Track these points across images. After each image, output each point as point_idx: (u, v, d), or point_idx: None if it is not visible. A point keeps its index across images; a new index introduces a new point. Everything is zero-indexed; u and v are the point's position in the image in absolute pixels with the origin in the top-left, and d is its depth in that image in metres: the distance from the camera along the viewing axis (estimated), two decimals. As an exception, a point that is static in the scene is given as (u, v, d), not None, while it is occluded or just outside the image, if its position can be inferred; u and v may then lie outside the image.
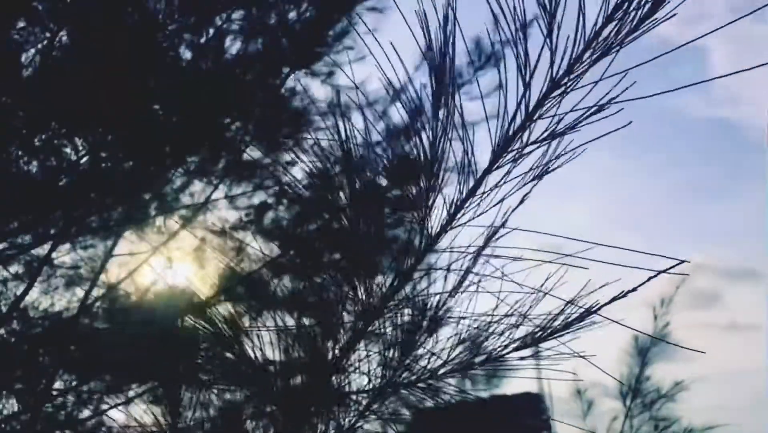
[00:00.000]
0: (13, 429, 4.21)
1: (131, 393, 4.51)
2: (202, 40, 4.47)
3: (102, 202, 4.47)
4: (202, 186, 4.71)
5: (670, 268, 1.06)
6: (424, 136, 1.11)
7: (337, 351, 1.35)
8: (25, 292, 4.32)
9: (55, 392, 4.31)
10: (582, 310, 1.15)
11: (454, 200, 1.12)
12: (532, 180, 1.05)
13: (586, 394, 4.09)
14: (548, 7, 0.92)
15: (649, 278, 1.09)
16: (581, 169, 1.17)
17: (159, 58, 4.48)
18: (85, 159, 4.39)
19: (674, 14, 0.85)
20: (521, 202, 1.14)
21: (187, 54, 4.54)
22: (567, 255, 1.18)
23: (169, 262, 4.76)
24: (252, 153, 4.69)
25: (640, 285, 1.13)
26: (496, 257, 1.10)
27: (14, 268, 4.44)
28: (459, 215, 1.12)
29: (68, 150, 4.33)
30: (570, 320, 1.15)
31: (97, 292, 4.49)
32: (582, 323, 1.15)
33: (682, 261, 1.07)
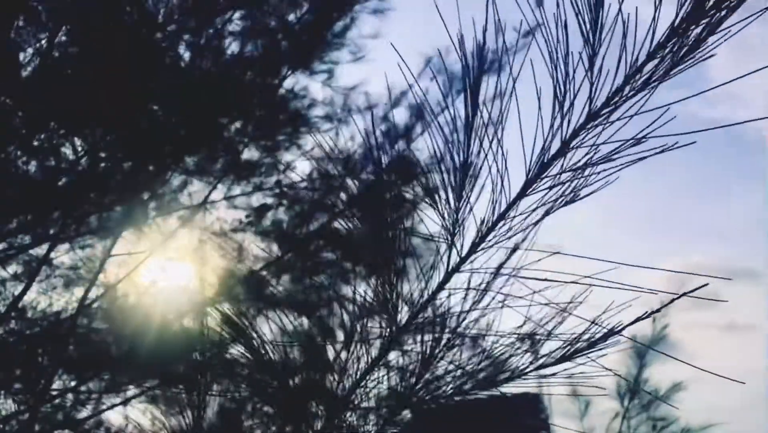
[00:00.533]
0: (11, 429, 4.21)
1: (129, 393, 4.53)
2: (202, 40, 4.46)
3: (101, 202, 4.47)
4: (201, 186, 4.71)
5: (694, 291, 1.09)
6: (456, 156, 1.13)
7: (362, 366, 1.37)
8: (24, 292, 4.31)
9: (54, 392, 4.31)
10: (606, 330, 1.18)
11: (485, 221, 1.15)
12: (564, 204, 1.08)
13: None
14: (591, 40, 0.95)
15: (672, 300, 1.11)
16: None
17: (158, 58, 4.47)
18: (84, 159, 4.39)
19: (714, 54, 0.88)
20: (541, 219, 1.17)
21: (186, 54, 4.53)
22: (591, 276, 1.21)
23: (168, 262, 4.77)
24: (251, 153, 4.70)
25: (663, 306, 1.15)
26: (524, 278, 1.13)
27: (13, 268, 4.43)
28: (490, 237, 1.15)
29: (67, 150, 4.33)
30: (594, 339, 1.18)
31: (95, 292, 4.49)
32: (606, 342, 1.18)
33: (705, 284, 1.09)
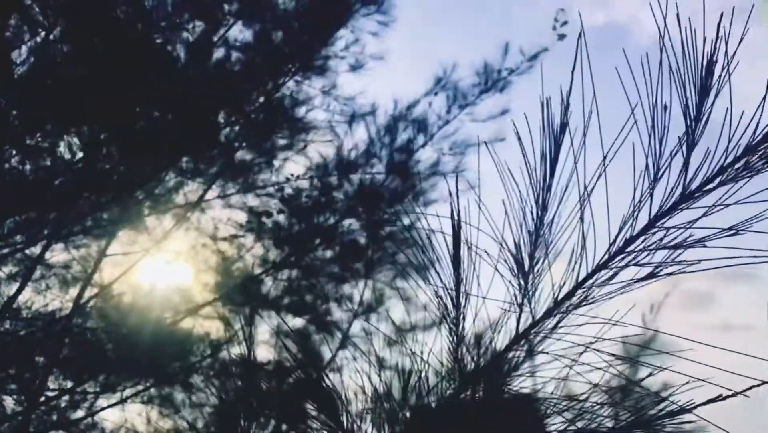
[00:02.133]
0: (6, 430, 4.18)
1: (125, 393, 4.51)
2: (200, 41, 4.42)
3: (96, 202, 4.42)
4: (197, 187, 4.68)
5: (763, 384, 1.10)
6: (529, 216, 1.15)
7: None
8: (18, 291, 4.26)
9: (50, 393, 4.28)
10: (676, 407, 1.20)
11: (561, 288, 1.17)
12: (646, 280, 1.10)
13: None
14: (691, 126, 0.97)
15: (752, 387, 1.12)
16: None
17: (155, 57, 4.42)
18: (79, 159, 4.34)
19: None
20: (619, 293, 1.19)
21: (183, 54, 4.48)
22: (664, 352, 1.24)
23: (163, 262, 4.74)
24: (248, 156, 4.67)
25: (740, 392, 1.15)
26: (600, 351, 1.16)
27: (7, 268, 4.38)
28: (565, 304, 1.17)
29: (63, 150, 4.28)
30: (663, 414, 1.21)
31: (90, 292, 4.46)
32: (674, 420, 1.21)
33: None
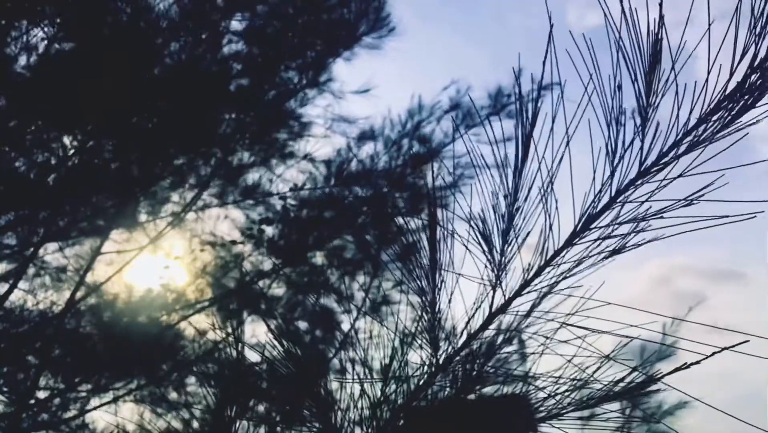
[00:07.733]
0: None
1: (117, 393, 4.50)
2: (202, 44, 4.44)
3: (91, 201, 4.43)
4: (192, 186, 4.69)
5: (734, 346, 1.13)
6: (504, 201, 1.17)
7: (400, 399, 1.40)
8: (10, 290, 4.27)
9: (41, 393, 4.27)
10: (644, 377, 1.22)
11: (531, 267, 1.18)
12: (610, 255, 1.11)
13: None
14: (644, 103, 0.99)
15: (713, 353, 1.15)
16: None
17: (153, 56, 4.44)
18: (74, 157, 4.35)
19: (765, 117, 0.93)
20: (587, 268, 1.20)
21: (184, 57, 4.50)
22: (632, 325, 1.26)
23: (159, 262, 4.75)
24: (246, 158, 4.69)
25: (703, 359, 1.18)
26: (571, 325, 1.17)
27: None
28: (535, 282, 1.19)
29: (58, 148, 4.29)
30: (632, 385, 1.22)
31: (83, 291, 4.46)
32: (643, 390, 1.22)
33: (745, 341, 1.13)
